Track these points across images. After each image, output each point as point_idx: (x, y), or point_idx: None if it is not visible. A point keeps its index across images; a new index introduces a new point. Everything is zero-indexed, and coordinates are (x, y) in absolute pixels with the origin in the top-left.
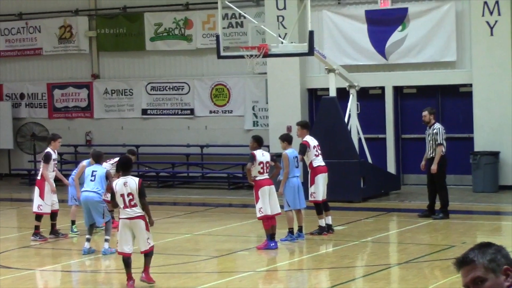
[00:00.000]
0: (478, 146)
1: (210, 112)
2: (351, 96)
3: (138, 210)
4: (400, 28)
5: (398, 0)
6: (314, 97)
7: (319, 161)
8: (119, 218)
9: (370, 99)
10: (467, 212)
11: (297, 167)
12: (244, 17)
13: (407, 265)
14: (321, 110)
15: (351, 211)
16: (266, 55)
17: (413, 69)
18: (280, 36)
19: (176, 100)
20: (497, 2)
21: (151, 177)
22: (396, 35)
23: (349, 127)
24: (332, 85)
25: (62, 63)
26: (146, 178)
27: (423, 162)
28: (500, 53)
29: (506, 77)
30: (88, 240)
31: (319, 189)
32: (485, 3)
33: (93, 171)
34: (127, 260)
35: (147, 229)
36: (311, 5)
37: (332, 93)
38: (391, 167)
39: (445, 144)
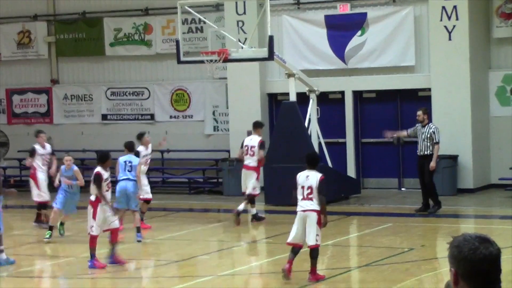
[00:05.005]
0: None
1: (171, 117)
2: (311, 100)
3: None
4: (359, 33)
5: (357, 5)
6: (274, 101)
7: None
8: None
9: (330, 103)
10: (426, 215)
11: (129, 171)
12: (204, 22)
13: (367, 268)
14: (281, 114)
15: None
16: (226, 60)
17: (373, 74)
18: (240, 41)
19: (136, 105)
20: (455, 7)
21: (111, 182)
22: (355, 40)
23: (309, 132)
24: (292, 89)
25: (21, 69)
26: None
27: (389, 133)
28: (458, 58)
29: (464, 81)
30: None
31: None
32: (443, 7)
33: None
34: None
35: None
36: (271, 10)
37: (292, 97)
38: (351, 171)
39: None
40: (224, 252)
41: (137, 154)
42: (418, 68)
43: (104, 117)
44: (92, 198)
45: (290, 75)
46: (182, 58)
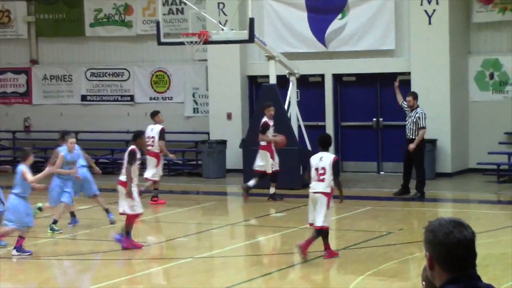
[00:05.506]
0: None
1: (150, 98)
2: (291, 83)
3: None
4: (339, 16)
5: None
6: (255, 84)
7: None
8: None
9: (310, 86)
10: (404, 199)
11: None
12: (185, 4)
13: (345, 251)
14: (261, 97)
15: (291, 198)
16: (207, 42)
17: (353, 57)
18: (220, 23)
19: (116, 86)
20: None
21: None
22: (335, 23)
23: (289, 115)
24: (272, 72)
25: (0, 49)
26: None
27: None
28: (438, 42)
29: (444, 66)
30: None
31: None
32: None
33: None
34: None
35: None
36: None
37: (272, 80)
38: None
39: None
40: (202, 235)
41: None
42: (398, 52)
43: (84, 98)
44: (124, 178)
45: (270, 57)
46: (162, 40)
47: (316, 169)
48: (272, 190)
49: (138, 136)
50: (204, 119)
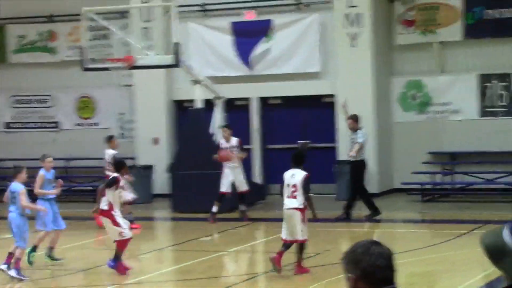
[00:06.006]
0: (341, 155)
1: (76, 124)
2: (216, 107)
3: None
4: (264, 39)
5: (263, 12)
6: (181, 108)
7: None
8: None
9: (236, 110)
10: (330, 220)
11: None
12: (109, 29)
13: (273, 273)
14: (188, 122)
15: (217, 222)
16: (132, 67)
17: (278, 80)
18: (145, 48)
19: (41, 113)
20: (358, 14)
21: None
22: (261, 47)
23: (215, 139)
24: (198, 96)
25: None
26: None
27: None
28: (362, 64)
29: (368, 87)
30: None
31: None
32: (346, 15)
33: None
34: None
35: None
36: (177, 17)
37: (199, 104)
38: (257, 177)
39: (364, 146)
40: (130, 260)
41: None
42: (324, 75)
43: (8, 125)
44: (105, 207)
45: (196, 82)
46: (87, 65)
47: (288, 186)
48: (215, 209)
49: (122, 165)
50: (131, 144)
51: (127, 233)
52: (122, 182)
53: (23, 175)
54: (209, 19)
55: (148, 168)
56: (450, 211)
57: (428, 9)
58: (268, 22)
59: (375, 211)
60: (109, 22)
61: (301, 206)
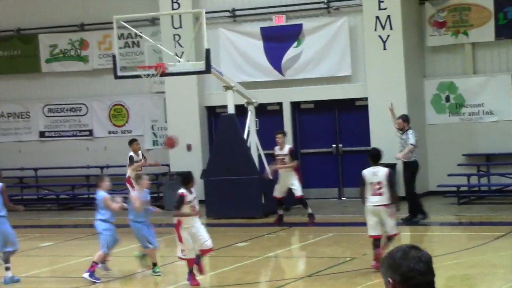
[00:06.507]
0: None
1: (109, 132)
2: (249, 112)
3: None
4: (295, 44)
5: (293, 16)
6: (213, 114)
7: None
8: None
9: (268, 115)
10: (365, 224)
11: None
12: (140, 37)
13: (310, 278)
14: (220, 127)
15: (253, 227)
16: (164, 74)
17: (310, 85)
18: (177, 55)
19: (74, 121)
20: (388, 17)
21: (51, 200)
22: (291, 51)
23: (248, 144)
24: (230, 102)
25: None
26: (45, 201)
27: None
28: (394, 67)
29: (400, 90)
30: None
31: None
32: (377, 17)
33: None
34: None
35: None
36: (207, 23)
37: (231, 110)
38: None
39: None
40: (168, 267)
41: (131, 159)
42: (355, 78)
43: (42, 134)
44: (175, 220)
45: (227, 87)
46: (119, 73)
47: (371, 184)
48: (309, 210)
49: (189, 179)
50: (164, 151)
51: (188, 254)
52: (189, 197)
53: (107, 183)
54: (239, 25)
55: (181, 175)
56: (487, 213)
57: (459, 10)
58: (298, 26)
59: (422, 213)
60: (140, 29)
61: (388, 202)
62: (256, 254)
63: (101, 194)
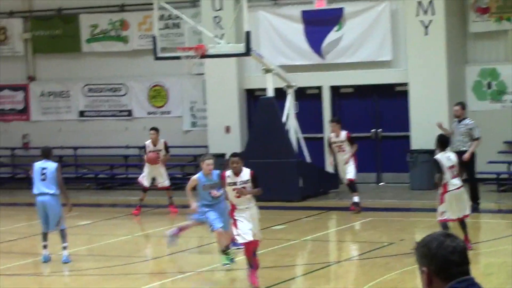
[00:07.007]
0: (415, 145)
1: (148, 113)
2: (288, 96)
3: None
4: (336, 28)
5: (334, 0)
6: (252, 97)
7: None
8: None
9: (308, 98)
10: (404, 210)
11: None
12: (181, 18)
13: (347, 262)
14: (259, 110)
15: (291, 211)
16: (203, 56)
17: (350, 69)
18: (217, 37)
19: (114, 101)
20: (431, 2)
21: (89, 179)
22: (332, 35)
23: (287, 127)
24: (270, 85)
25: None
26: (84, 180)
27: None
28: (435, 52)
29: (441, 76)
30: (45, 247)
31: None
32: (419, 2)
33: (43, 169)
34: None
35: None
36: (248, 6)
37: (270, 93)
38: (329, 166)
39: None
40: (204, 248)
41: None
42: (395, 63)
43: (82, 113)
44: (229, 206)
45: (267, 70)
46: (159, 54)
47: (449, 168)
48: (355, 198)
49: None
50: (203, 132)
51: (240, 239)
52: (231, 179)
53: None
54: (280, 8)
55: (220, 157)
56: None
57: None
58: (339, 10)
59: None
60: (180, 11)
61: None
62: (293, 237)
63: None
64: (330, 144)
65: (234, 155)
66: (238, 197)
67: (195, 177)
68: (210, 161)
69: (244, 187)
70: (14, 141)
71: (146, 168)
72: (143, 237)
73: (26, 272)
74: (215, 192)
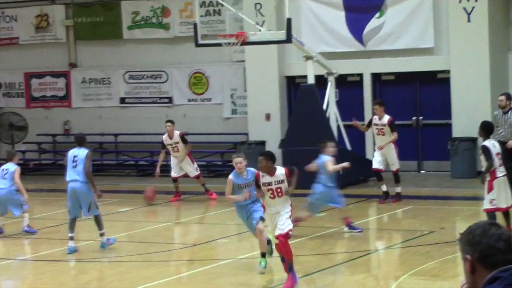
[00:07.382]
0: (456, 132)
1: (189, 100)
2: (329, 83)
3: None
4: (377, 15)
5: None
6: (293, 84)
7: None
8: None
9: (349, 86)
10: (445, 198)
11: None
12: (222, 5)
13: (387, 250)
14: (300, 97)
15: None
16: (244, 43)
17: (391, 56)
18: (257, 24)
19: (154, 88)
20: None
21: (130, 165)
22: (373, 22)
23: (327, 115)
24: (310, 72)
25: (39, 52)
26: (124, 167)
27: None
28: (478, 39)
29: (484, 63)
30: (71, 238)
31: None
32: None
33: (74, 156)
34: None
35: None
36: None
37: (311, 80)
38: (370, 154)
39: None
40: (243, 235)
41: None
42: (437, 50)
43: (122, 100)
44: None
45: (308, 57)
46: (200, 41)
47: (497, 154)
48: (398, 189)
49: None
50: (243, 120)
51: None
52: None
53: (331, 149)
54: None
55: (261, 144)
56: None
57: None
58: None
59: None
60: None
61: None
62: (332, 225)
63: (325, 158)
64: (369, 124)
65: (260, 154)
66: (273, 198)
67: (229, 178)
68: (238, 159)
69: (279, 188)
70: (56, 128)
71: (172, 160)
72: (183, 224)
73: (67, 258)
74: (247, 194)
